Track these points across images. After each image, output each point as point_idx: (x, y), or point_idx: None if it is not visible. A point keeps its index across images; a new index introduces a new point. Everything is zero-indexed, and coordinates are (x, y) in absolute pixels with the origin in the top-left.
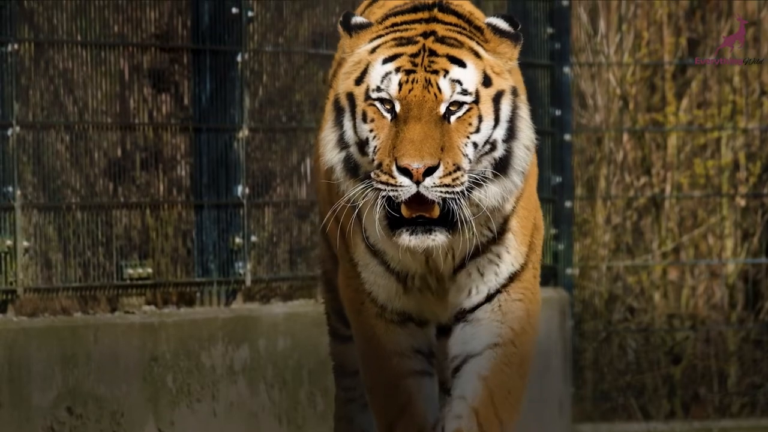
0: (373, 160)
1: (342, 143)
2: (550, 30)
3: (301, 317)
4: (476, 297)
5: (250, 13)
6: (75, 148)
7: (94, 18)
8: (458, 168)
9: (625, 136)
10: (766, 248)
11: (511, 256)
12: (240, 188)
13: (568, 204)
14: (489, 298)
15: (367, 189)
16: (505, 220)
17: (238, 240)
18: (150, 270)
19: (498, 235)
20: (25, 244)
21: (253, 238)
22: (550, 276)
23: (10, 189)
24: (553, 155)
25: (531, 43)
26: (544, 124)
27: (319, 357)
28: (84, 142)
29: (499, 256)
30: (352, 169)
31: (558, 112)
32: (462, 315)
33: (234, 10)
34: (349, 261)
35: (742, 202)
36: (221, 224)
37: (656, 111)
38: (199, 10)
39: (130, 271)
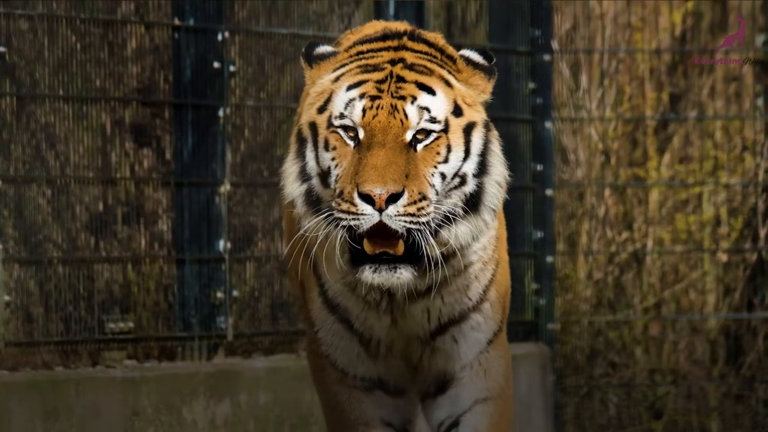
0: (335, 190)
1: (304, 175)
2: (531, 85)
3: (283, 372)
4: (460, 363)
5: (231, 68)
6: (56, 202)
7: (76, 72)
8: (424, 197)
9: (607, 191)
10: (747, 303)
11: (488, 325)
12: (221, 243)
13: (549, 259)
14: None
15: (327, 219)
16: (485, 290)
17: (219, 294)
18: (131, 324)
19: (477, 304)
20: (6, 298)
21: (235, 293)
22: (531, 331)
23: None
24: (534, 210)
25: (513, 98)
26: (525, 179)
27: (300, 411)
28: (65, 196)
29: (479, 324)
30: (314, 202)
31: (540, 167)
32: (443, 384)
33: (216, 64)
34: (308, 320)
35: (724, 258)
36: (203, 279)
37: (638, 166)
38: (180, 64)
39: (112, 325)
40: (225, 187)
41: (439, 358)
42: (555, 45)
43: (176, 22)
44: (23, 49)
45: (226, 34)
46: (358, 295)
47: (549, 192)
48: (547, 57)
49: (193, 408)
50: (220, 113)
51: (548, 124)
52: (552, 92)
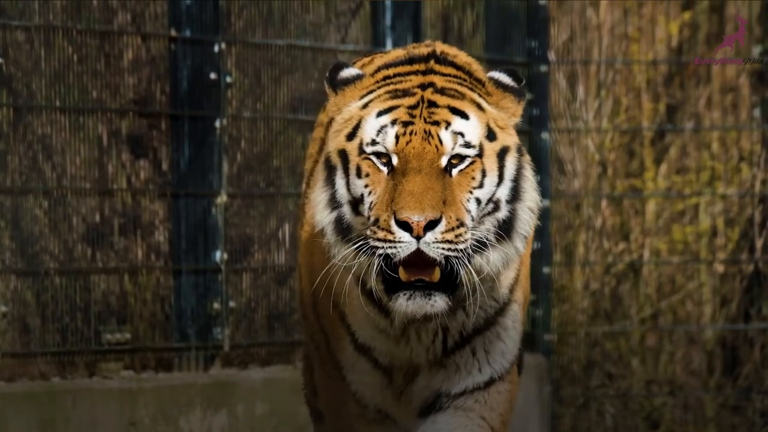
0: (368, 217)
1: (334, 203)
2: (528, 96)
3: (279, 383)
4: (477, 378)
5: (228, 79)
6: (53, 213)
7: (73, 84)
8: (462, 224)
9: (604, 202)
10: (744, 314)
11: (517, 331)
12: (218, 254)
13: (546, 270)
14: (487, 383)
15: (361, 248)
16: (511, 290)
17: (216, 305)
18: (128, 335)
19: (504, 306)
20: (3, 308)
21: (231, 304)
22: (528, 342)
23: None
24: None
25: None
26: None
27: (296, 423)
28: (62, 207)
29: (505, 329)
30: (344, 230)
31: (536, 178)
32: (444, 400)
33: (212, 75)
34: (334, 365)
35: (721, 268)
36: (199, 290)
37: (635, 177)
38: (177, 75)
39: (109, 336)
40: (222, 198)
41: (453, 373)
42: (552, 56)
43: (173, 33)
44: (20, 60)
45: (223, 45)
46: (385, 333)
47: (546, 203)
48: (543, 68)
49: (190, 419)
50: (217, 124)
51: (545, 135)
52: (549, 103)
